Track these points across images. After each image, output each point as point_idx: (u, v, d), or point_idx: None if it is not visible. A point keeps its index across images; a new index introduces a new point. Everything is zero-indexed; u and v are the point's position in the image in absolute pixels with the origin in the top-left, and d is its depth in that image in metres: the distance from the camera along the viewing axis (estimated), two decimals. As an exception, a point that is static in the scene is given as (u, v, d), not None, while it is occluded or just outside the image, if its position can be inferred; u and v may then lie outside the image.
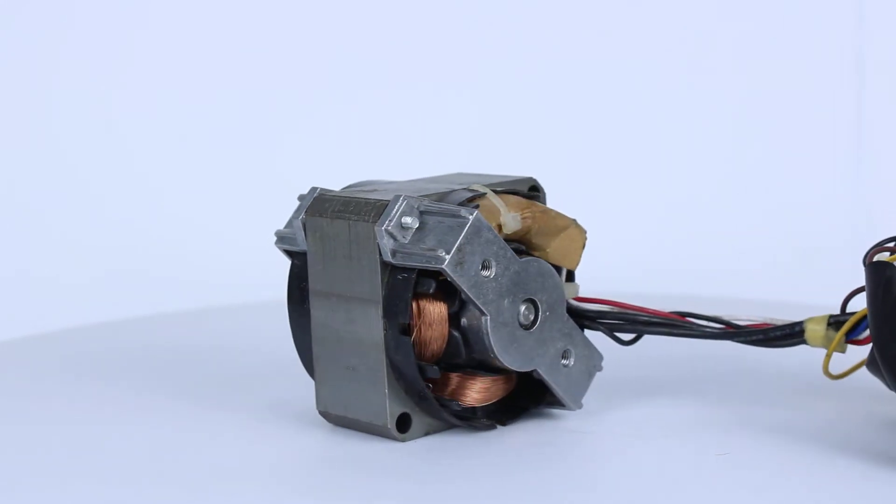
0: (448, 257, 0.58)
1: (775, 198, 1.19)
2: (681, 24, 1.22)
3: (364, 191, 0.63)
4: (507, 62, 1.22)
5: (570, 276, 0.66)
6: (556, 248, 0.63)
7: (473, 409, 0.63)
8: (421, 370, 0.60)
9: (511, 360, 0.61)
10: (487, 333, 0.60)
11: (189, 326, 0.89)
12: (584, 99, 1.21)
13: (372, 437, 0.61)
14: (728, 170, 1.22)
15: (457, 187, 0.62)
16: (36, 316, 0.99)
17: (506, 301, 0.60)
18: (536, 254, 0.63)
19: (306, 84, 1.24)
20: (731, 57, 1.22)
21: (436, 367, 0.60)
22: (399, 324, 0.59)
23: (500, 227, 0.61)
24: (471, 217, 0.58)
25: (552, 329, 0.62)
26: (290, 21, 1.25)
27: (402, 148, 1.18)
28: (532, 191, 0.65)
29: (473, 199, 0.61)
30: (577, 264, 0.64)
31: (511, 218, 0.61)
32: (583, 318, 0.64)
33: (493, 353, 0.60)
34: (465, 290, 0.59)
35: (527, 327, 0.61)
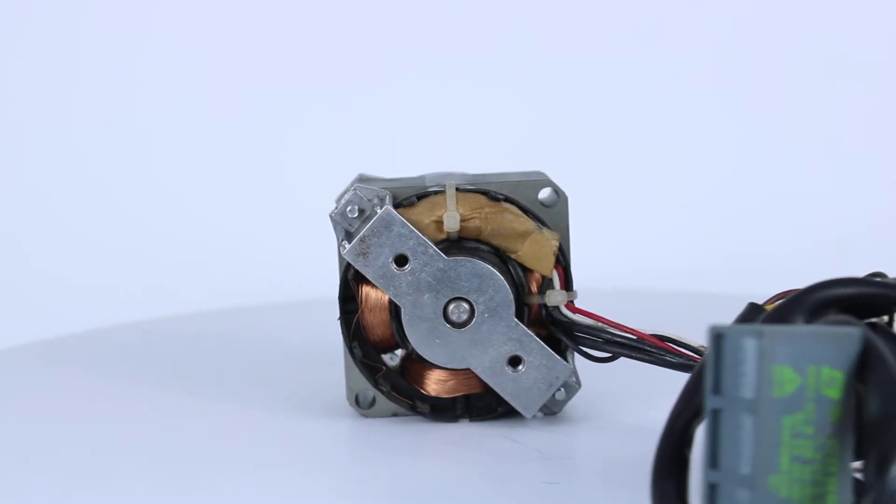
0: (349, 247, 0.62)
1: (799, 193, 1.18)
2: (703, 21, 1.20)
3: (385, 180, 0.68)
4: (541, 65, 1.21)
5: (570, 284, 0.64)
6: (526, 253, 0.63)
7: (451, 399, 0.65)
8: (351, 351, 0.64)
9: (433, 355, 0.63)
10: (402, 325, 0.63)
11: (220, 324, 0.91)
12: (611, 97, 1.20)
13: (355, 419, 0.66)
14: (753, 165, 1.20)
15: (443, 181, 0.65)
16: (60, 316, 1.04)
17: (426, 296, 0.62)
18: (513, 257, 0.63)
19: (352, 79, 1.21)
20: (749, 54, 1.20)
21: (357, 349, 0.64)
22: (340, 305, 0.65)
23: (441, 223, 0.63)
24: (378, 211, 0.62)
25: (493, 332, 0.62)
26: (324, 19, 1.22)
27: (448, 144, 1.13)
28: (547, 194, 0.65)
29: (427, 195, 0.64)
30: (550, 271, 0.63)
31: (448, 216, 0.62)
32: (557, 327, 0.63)
33: (411, 344, 0.63)
34: (372, 280, 0.62)
35: (458, 326, 0.62)
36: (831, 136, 1.20)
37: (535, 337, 0.62)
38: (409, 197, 0.63)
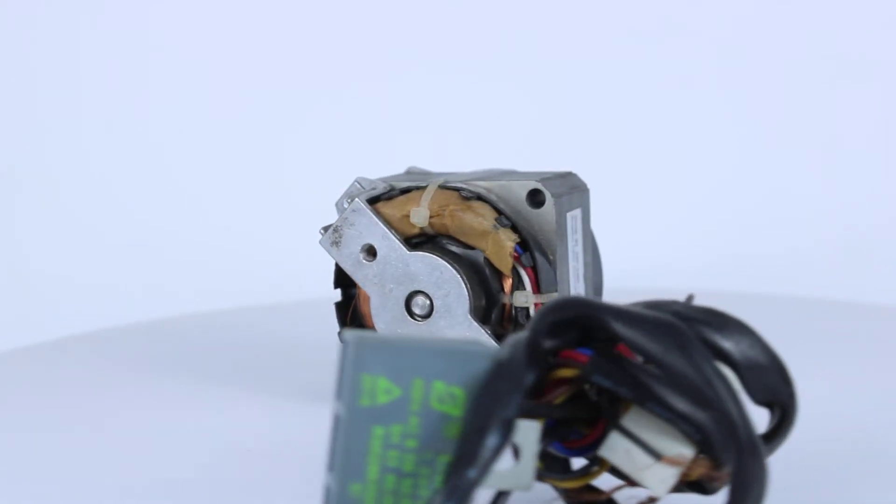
0: (323, 235, 0.66)
1: (801, 192, 1.18)
2: (718, 22, 1.21)
3: (435, 174, 0.71)
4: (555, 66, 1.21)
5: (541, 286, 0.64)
6: (491, 251, 0.64)
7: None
8: (339, 335, 0.68)
9: None
10: (371, 312, 0.66)
11: (221, 324, 0.89)
12: (616, 98, 1.21)
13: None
14: (753, 165, 1.20)
15: (436, 179, 0.67)
16: (62, 318, 0.99)
17: (390, 286, 0.65)
18: (486, 254, 0.65)
19: (354, 82, 1.18)
20: (755, 55, 1.21)
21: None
22: (341, 291, 0.69)
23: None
24: (349, 204, 0.66)
25: (450, 327, 0.64)
26: (328, 23, 1.19)
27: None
28: (535, 195, 0.65)
29: (410, 191, 0.66)
30: (508, 270, 0.63)
31: (415, 212, 0.65)
32: (517, 330, 0.64)
33: (378, 332, 0.66)
34: (343, 268, 0.66)
35: (419, 318, 0.65)
36: (832, 137, 1.17)
37: (490, 335, 0.62)
38: (393, 191, 0.65)
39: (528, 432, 0.44)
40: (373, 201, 0.65)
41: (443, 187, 0.65)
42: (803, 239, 1.13)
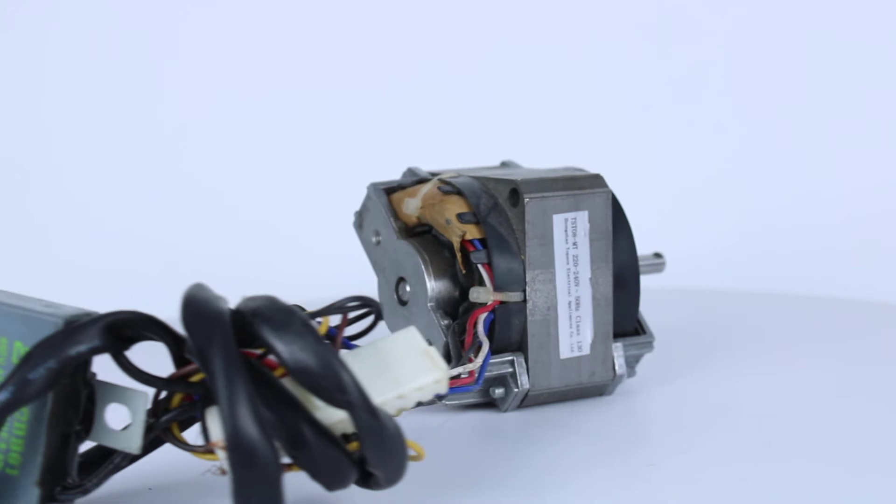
0: (355, 218, 0.73)
1: (798, 191, 1.15)
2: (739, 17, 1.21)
3: (525, 170, 0.74)
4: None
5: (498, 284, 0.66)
6: (454, 244, 0.67)
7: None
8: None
9: (391, 327, 0.70)
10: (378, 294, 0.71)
11: None
12: (624, 96, 1.21)
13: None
14: (752, 164, 1.18)
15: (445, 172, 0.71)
16: None
17: (388, 272, 0.70)
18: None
19: (363, 89, 1.20)
20: (790, 54, 1.19)
21: None
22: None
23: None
24: (366, 191, 0.71)
25: (419, 315, 0.67)
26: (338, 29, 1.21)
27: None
28: (513, 194, 0.66)
29: (418, 183, 0.70)
30: (460, 262, 0.66)
31: (407, 202, 0.69)
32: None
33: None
34: (363, 249, 0.72)
35: (403, 304, 0.69)
36: (834, 136, 1.17)
37: (441, 328, 0.65)
38: (413, 181, 0.70)
39: (137, 400, 0.49)
40: (394, 190, 0.69)
41: (442, 181, 0.67)
42: (806, 238, 1.08)
